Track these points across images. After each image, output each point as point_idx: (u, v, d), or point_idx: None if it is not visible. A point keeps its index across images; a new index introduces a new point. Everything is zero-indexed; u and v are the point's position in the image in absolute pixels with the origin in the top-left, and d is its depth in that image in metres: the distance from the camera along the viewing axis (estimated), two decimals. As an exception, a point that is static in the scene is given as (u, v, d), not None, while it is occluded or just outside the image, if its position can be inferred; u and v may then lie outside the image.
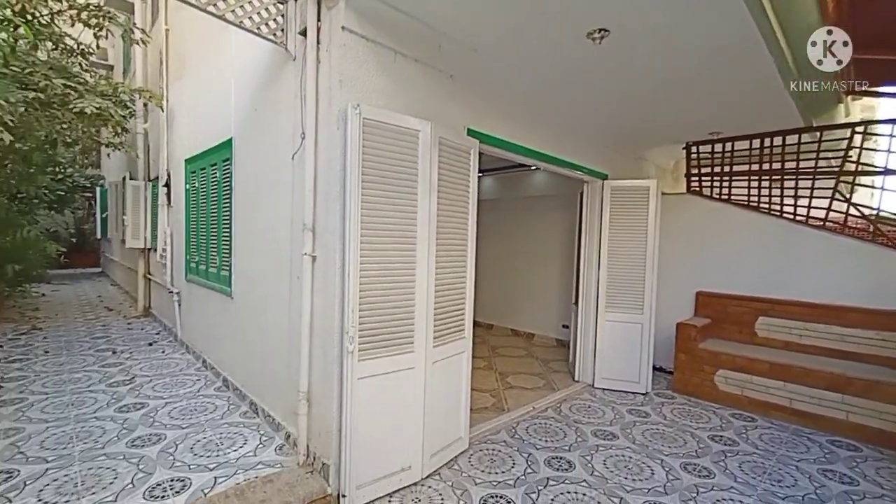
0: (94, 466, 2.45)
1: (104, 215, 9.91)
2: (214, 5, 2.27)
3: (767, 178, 4.54)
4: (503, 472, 2.77)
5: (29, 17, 4.35)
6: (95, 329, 5.77)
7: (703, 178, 4.96)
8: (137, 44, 5.19)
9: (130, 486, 2.27)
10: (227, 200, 3.70)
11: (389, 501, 2.44)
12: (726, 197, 4.81)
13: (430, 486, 2.60)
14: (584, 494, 2.55)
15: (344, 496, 2.33)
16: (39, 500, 2.12)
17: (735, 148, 4.65)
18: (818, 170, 4.27)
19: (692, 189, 5.05)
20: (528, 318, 6.51)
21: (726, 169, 4.78)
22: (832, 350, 4.00)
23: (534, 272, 6.43)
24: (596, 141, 4.38)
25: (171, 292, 5.24)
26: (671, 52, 2.59)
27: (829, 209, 4.23)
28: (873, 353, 3.81)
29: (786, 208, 4.45)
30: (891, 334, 3.72)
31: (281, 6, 2.59)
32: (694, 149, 4.90)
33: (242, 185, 3.47)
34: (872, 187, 4.28)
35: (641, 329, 4.31)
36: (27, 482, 2.28)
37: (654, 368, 4.63)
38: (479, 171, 3.17)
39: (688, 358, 4.32)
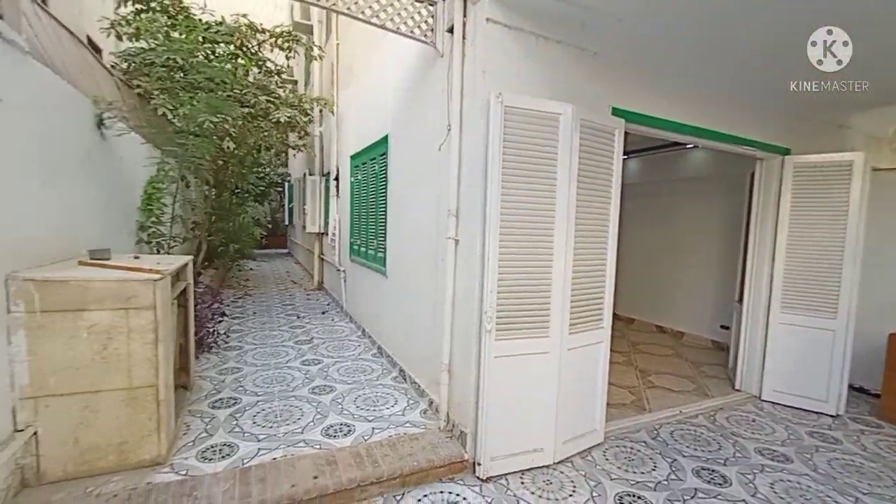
0: (287, 405, 3.09)
1: (290, 206, 12.06)
2: (377, 17, 2.58)
3: None
4: (642, 473, 2.62)
5: (244, 50, 5.53)
6: (285, 298, 7.14)
7: (946, 148, 3.76)
8: (315, 59, 6.16)
9: (312, 423, 2.81)
10: (383, 190, 4.18)
11: (521, 478, 2.53)
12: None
13: (561, 472, 2.61)
14: (742, 514, 2.26)
15: (479, 464, 2.49)
16: (254, 423, 2.79)
17: None
18: None
19: (925, 163, 3.88)
20: (678, 314, 5.85)
21: None
22: None
23: (686, 264, 5.73)
24: (774, 108, 3.66)
25: (339, 270, 6.16)
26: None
27: None
28: None
29: None
30: None
31: (431, 8, 2.81)
32: (931, 110, 3.74)
33: (395, 176, 3.88)
34: None
35: (833, 337, 3.52)
36: (246, 409, 3.00)
37: (853, 388, 3.76)
38: (625, 152, 2.97)
39: (906, 379, 3.40)
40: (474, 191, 2.48)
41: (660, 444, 2.99)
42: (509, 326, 2.47)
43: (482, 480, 2.48)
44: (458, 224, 2.67)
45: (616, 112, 2.84)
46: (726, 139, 3.47)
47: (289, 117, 5.22)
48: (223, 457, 2.38)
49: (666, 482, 2.54)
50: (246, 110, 5.32)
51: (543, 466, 2.64)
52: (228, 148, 5.18)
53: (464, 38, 2.56)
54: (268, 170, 13.06)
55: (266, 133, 6.10)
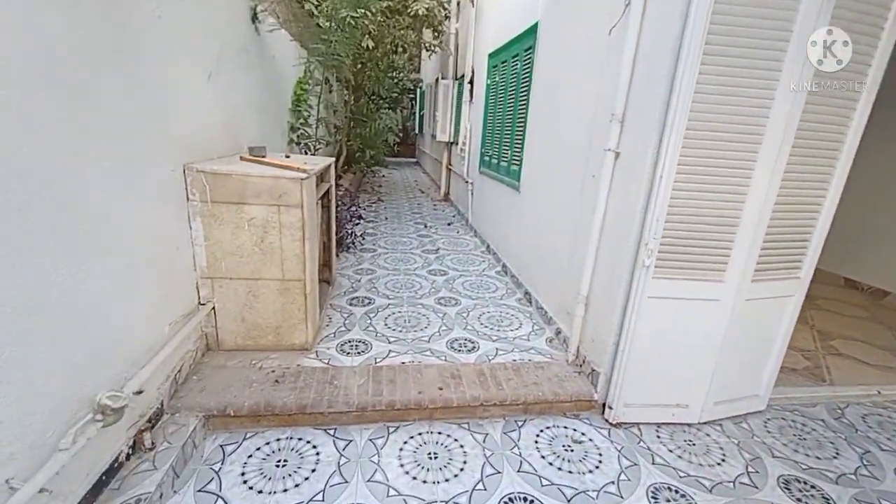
0: (415, 312, 3.17)
1: (421, 113, 12.01)
2: None
3: None
4: (818, 459, 2.13)
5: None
6: (413, 206, 7.35)
7: None
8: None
9: (437, 334, 2.85)
10: (525, 92, 3.69)
11: (657, 431, 2.26)
12: None
13: (707, 434, 2.27)
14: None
15: (610, 408, 2.28)
16: (385, 325, 2.93)
17: None
18: None
19: None
20: (882, 268, 4.50)
21: None
22: None
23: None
24: None
25: (467, 182, 6.00)
26: None
27: None
28: None
29: None
30: None
31: None
32: None
33: (542, 74, 3.35)
34: None
35: None
36: (378, 310, 3.16)
37: None
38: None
39: None
40: (652, 88, 1.92)
41: (845, 427, 2.40)
42: (674, 264, 2.03)
43: (611, 424, 2.28)
44: (621, 132, 2.17)
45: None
46: None
47: (427, 8, 4.81)
48: (359, 353, 2.54)
49: (854, 476, 2.04)
50: (385, 3, 5.03)
51: (685, 424, 2.32)
52: (367, 47, 5.05)
53: None
54: (401, 75, 12.98)
55: (403, 30, 5.81)
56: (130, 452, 1.66)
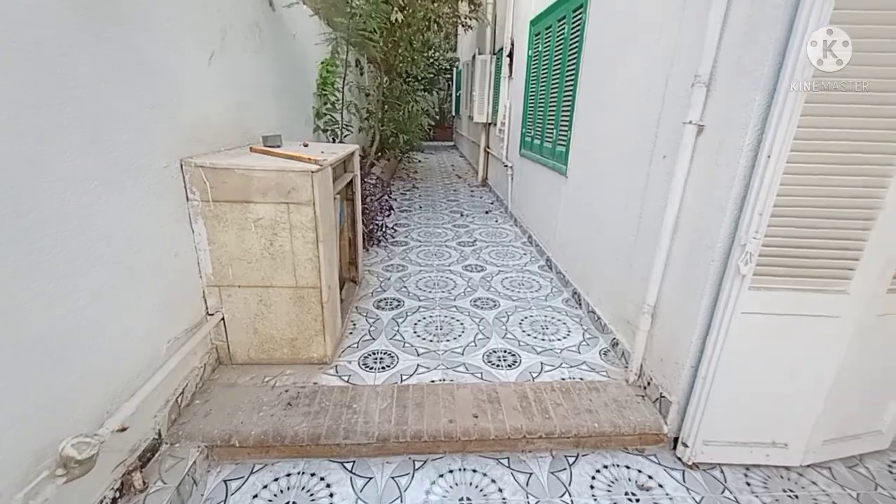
0: (448, 316, 2.83)
1: (457, 94, 11.49)
2: None
3: None
4: (976, 524, 1.62)
5: None
6: (449, 192, 6.97)
7: None
8: None
9: (472, 344, 2.50)
10: (573, 61, 3.19)
11: (745, 475, 1.82)
12: None
13: (812, 482, 1.80)
14: None
15: (685, 444, 1.85)
16: (415, 332, 2.61)
17: None
18: None
19: None
20: None
21: None
22: None
23: None
24: None
25: (506, 166, 5.54)
26: None
27: None
28: None
29: None
30: None
31: None
32: None
33: (595, 36, 2.84)
34: None
35: None
36: (407, 314, 2.85)
37: None
38: None
39: None
40: (760, 33, 1.43)
41: None
42: (779, 271, 1.56)
43: (686, 465, 1.85)
44: (707, 99, 1.69)
45: None
46: None
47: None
48: (383, 367, 2.24)
49: None
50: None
51: (783, 467, 1.86)
52: (396, 21, 4.66)
53: None
54: (437, 54, 12.47)
55: (437, 2, 5.36)
56: (117, 496, 1.45)
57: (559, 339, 2.59)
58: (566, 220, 3.40)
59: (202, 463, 1.70)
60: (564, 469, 1.81)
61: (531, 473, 1.78)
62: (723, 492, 1.74)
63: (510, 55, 5.32)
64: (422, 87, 12.02)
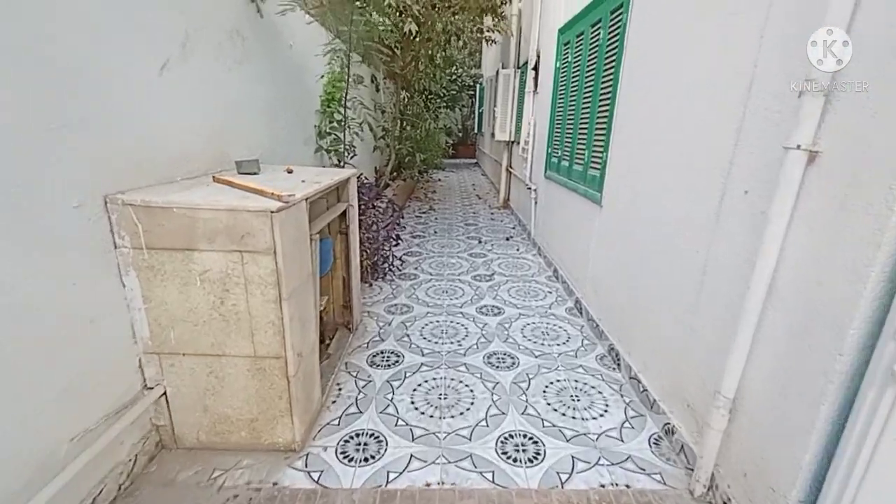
0: (456, 379, 2.33)
1: (480, 111, 11.13)
2: None
3: None
4: None
5: None
6: (468, 215, 6.50)
7: None
8: None
9: (484, 424, 1.97)
10: (610, 70, 2.70)
11: None
12: None
13: None
14: None
15: None
16: (412, 403, 2.11)
17: None
18: None
19: None
20: None
21: None
22: None
23: None
24: None
25: (529, 188, 5.04)
26: None
27: None
28: None
29: None
30: None
31: None
32: None
33: (640, 38, 2.34)
34: None
35: None
36: (406, 374, 2.36)
37: None
38: None
39: None
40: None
41: None
42: (958, 387, 0.99)
43: None
44: (825, 112, 1.16)
45: None
46: None
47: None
48: (366, 458, 1.74)
49: None
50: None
51: None
52: (411, 32, 4.29)
53: None
54: (460, 71, 12.20)
55: (456, 14, 4.98)
56: None
57: (594, 418, 2.03)
58: (600, 256, 2.86)
59: None
60: None
61: None
62: None
63: (535, 68, 4.87)
64: (444, 103, 11.74)
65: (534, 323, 2.99)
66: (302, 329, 1.73)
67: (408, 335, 2.76)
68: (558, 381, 2.32)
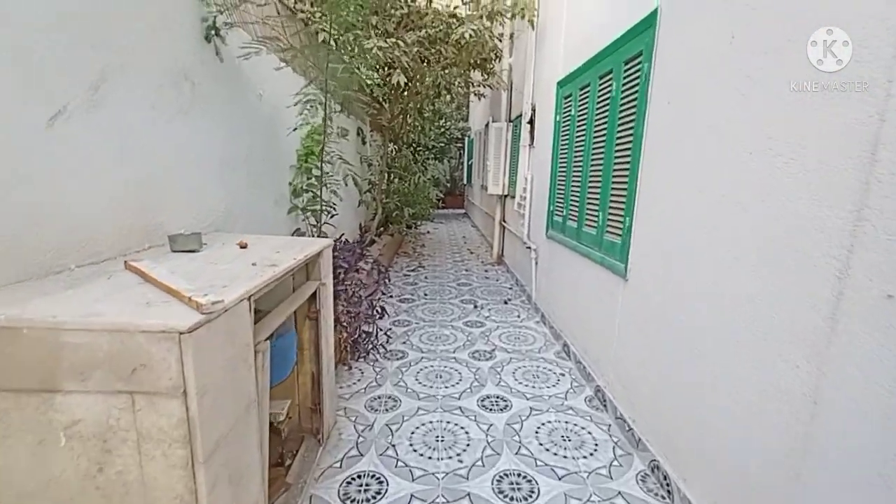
0: (458, 517, 1.73)
1: (469, 163, 11.00)
2: None
3: None
4: None
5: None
6: (460, 272, 6.02)
7: None
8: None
9: None
10: (628, 126, 2.34)
11: None
12: None
13: None
14: None
15: None
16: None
17: None
18: None
19: None
20: None
21: None
22: None
23: None
24: None
25: (528, 247, 4.62)
26: None
27: None
28: None
29: None
30: None
31: None
32: None
33: (674, 84, 1.97)
34: None
35: None
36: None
37: None
38: None
39: None
40: None
41: None
42: None
43: None
44: None
45: None
46: None
47: (474, 31, 3.70)
48: None
49: None
50: (422, 32, 4.02)
51: None
52: (398, 84, 4.00)
53: None
54: (448, 123, 12.22)
55: (446, 70, 4.77)
56: None
57: None
58: (630, 340, 2.36)
59: None
60: None
61: None
62: None
63: (531, 122, 4.61)
64: (432, 155, 11.64)
65: (549, 423, 2.42)
66: (234, 495, 1.16)
67: (394, 445, 2.17)
68: (593, 520, 1.74)
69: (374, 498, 1.83)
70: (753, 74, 1.45)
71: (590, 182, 2.91)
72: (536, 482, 1.94)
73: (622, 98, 2.46)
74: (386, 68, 4.30)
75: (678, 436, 1.87)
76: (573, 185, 3.25)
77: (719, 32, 1.62)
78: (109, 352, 0.94)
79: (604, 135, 2.69)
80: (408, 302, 4.59)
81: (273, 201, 2.92)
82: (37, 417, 0.97)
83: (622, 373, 2.42)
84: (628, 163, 2.35)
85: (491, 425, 2.37)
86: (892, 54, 1.02)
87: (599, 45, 2.78)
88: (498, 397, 2.68)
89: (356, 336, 3.09)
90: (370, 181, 6.12)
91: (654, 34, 2.08)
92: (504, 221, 6.50)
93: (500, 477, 1.97)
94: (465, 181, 13.86)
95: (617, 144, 2.51)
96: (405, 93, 5.43)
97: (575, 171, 3.20)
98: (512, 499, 1.84)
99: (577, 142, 3.19)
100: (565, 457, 2.13)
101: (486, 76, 5.52)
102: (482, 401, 2.63)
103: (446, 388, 2.78)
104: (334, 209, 3.41)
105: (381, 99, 6.11)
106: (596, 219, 2.81)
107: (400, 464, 2.03)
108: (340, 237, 3.95)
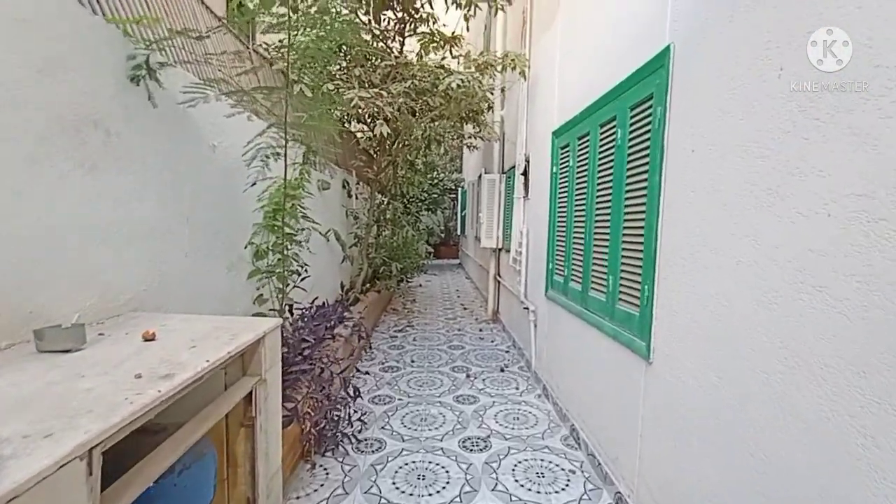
0: None
1: (463, 213, 10.78)
2: None
3: None
4: None
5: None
6: (451, 333, 5.51)
7: None
8: (501, 9, 4.39)
9: None
10: (640, 175, 1.99)
11: None
12: None
13: None
14: None
15: None
16: None
17: None
18: None
19: None
20: None
21: None
22: None
23: None
24: None
25: (526, 308, 4.17)
26: None
27: None
28: None
29: None
30: None
31: None
32: None
33: (697, 130, 1.62)
34: None
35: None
36: None
37: None
38: None
39: None
40: None
41: None
42: None
43: None
44: None
45: None
46: None
47: (462, 80, 3.48)
48: None
49: None
50: (408, 83, 3.81)
51: None
52: (384, 135, 3.74)
53: None
54: (441, 175, 12.16)
55: (435, 121, 4.57)
56: None
57: None
58: (662, 440, 1.87)
59: None
60: None
61: None
62: None
63: (525, 173, 4.33)
64: (425, 206, 11.45)
65: (561, 552, 1.87)
66: None
67: None
68: None
69: None
70: (822, 117, 1.10)
71: (595, 240, 2.53)
72: None
73: (630, 147, 2.13)
74: (370, 119, 4.07)
75: None
76: (575, 242, 2.87)
77: (764, 67, 1.29)
78: None
79: (609, 187, 2.35)
80: (392, 371, 4.06)
81: (226, 267, 2.50)
82: None
83: (657, 479, 1.90)
84: (642, 220, 1.98)
85: (485, 558, 1.82)
86: None
87: (599, 92, 2.50)
88: (494, 510, 2.13)
89: (322, 425, 2.56)
90: (356, 235, 5.77)
91: (668, 74, 1.77)
92: (499, 276, 6.10)
93: None
94: (459, 232, 13.62)
95: (627, 198, 2.15)
96: (393, 145, 5.22)
97: (577, 227, 2.84)
98: None
99: (577, 195, 2.85)
100: None
101: (477, 128, 5.34)
102: (474, 516, 2.08)
103: (430, 495, 2.23)
104: (305, 270, 2.99)
105: (368, 150, 5.89)
106: (605, 283, 2.40)
107: None
108: (313, 302, 3.51)
